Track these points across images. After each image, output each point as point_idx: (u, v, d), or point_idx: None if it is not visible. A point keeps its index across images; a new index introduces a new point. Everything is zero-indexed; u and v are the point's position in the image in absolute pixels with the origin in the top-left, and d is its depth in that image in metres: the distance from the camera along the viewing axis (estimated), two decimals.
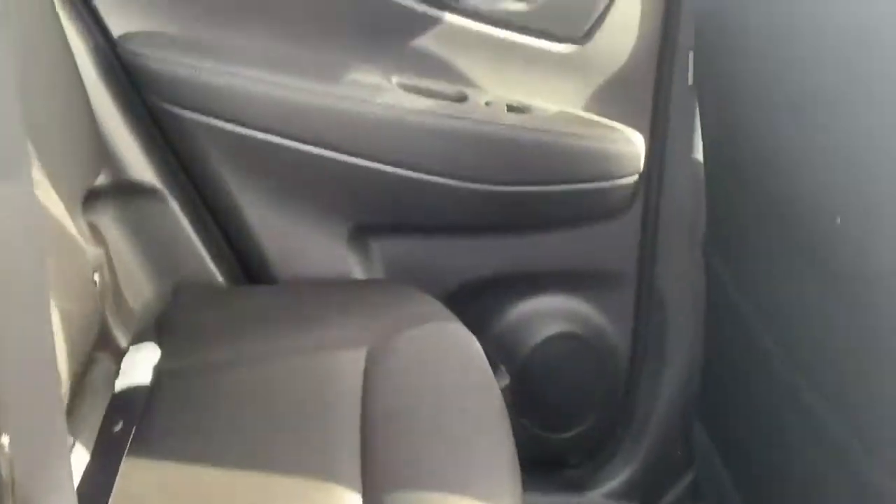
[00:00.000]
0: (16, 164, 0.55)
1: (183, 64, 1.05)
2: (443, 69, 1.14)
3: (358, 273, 1.18)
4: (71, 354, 0.76)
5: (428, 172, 1.13)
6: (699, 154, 1.14)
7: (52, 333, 0.58)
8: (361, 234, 1.18)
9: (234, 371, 0.93)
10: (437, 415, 0.86)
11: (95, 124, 1.04)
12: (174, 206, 1.12)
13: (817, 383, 0.83)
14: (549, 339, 1.27)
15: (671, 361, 1.27)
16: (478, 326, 1.00)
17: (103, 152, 1.06)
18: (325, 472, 0.78)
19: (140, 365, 0.95)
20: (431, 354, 0.94)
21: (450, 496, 0.75)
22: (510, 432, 0.85)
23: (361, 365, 0.91)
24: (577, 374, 1.29)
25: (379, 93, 1.10)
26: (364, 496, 0.76)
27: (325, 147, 1.09)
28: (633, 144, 1.17)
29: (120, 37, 1.04)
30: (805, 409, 0.84)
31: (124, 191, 1.09)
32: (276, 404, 0.87)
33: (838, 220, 0.72)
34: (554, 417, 1.31)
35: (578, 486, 1.33)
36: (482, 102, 1.14)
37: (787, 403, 0.90)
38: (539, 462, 1.21)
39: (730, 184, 1.02)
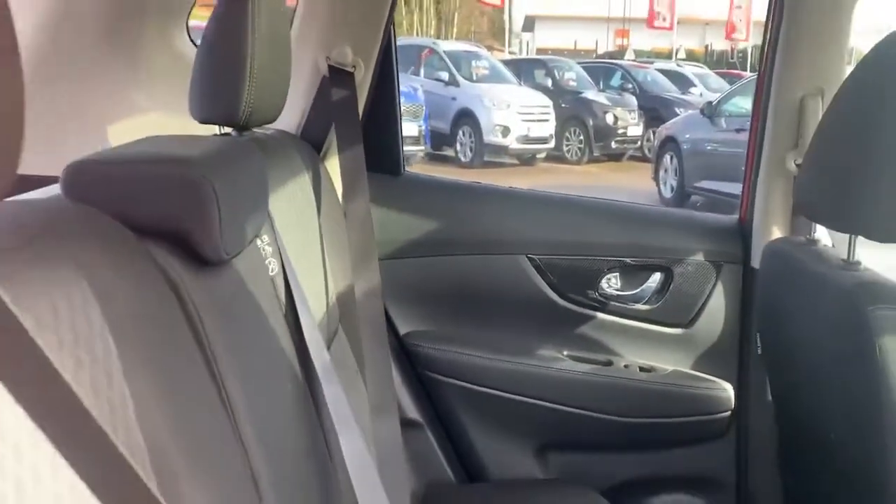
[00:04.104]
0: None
1: (441, 350, 1.77)
2: (596, 345, 1.81)
3: (539, 475, 1.81)
4: None
5: (588, 410, 1.77)
6: (768, 396, 1.71)
7: None
8: (544, 450, 1.81)
9: None
10: None
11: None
12: (428, 432, 1.80)
13: None
14: None
15: None
16: None
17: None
18: None
19: None
20: None
21: None
22: None
23: None
24: None
25: (556, 361, 1.77)
26: None
27: (525, 395, 1.76)
28: (725, 391, 1.77)
29: (404, 334, 1.79)
30: None
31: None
32: None
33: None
34: None
35: None
36: (622, 366, 1.79)
37: None
38: None
39: (789, 418, 1.58)
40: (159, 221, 0.87)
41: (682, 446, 1.80)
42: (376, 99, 1.72)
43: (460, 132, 11.38)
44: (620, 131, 12.08)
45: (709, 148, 8.95)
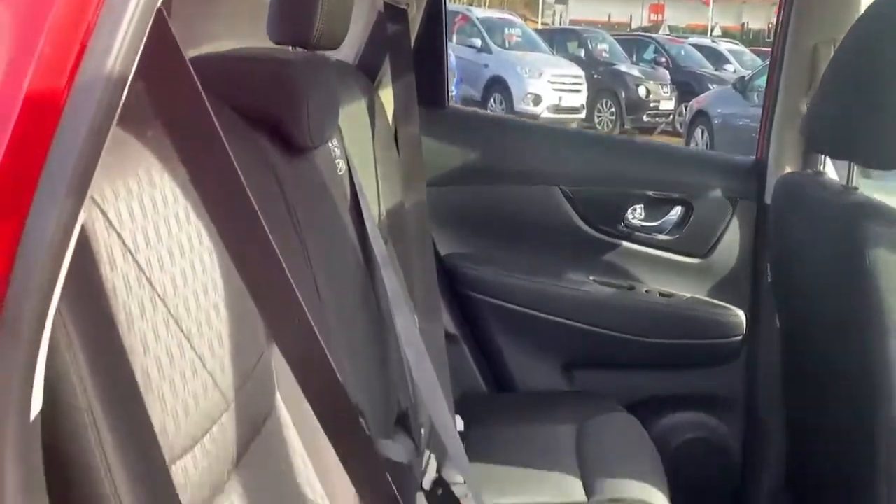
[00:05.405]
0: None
1: (478, 270, 1.94)
2: (620, 271, 1.97)
3: (565, 389, 1.98)
4: None
5: (611, 330, 1.93)
6: (777, 323, 1.86)
7: None
8: (569, 366, 1.99)
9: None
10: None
11: None
12: (463, 345, 1.98)
13: None
14: (687, 441, 1.98)
15: (768, 458, 1.95)
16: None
17: None
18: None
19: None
20: (617, 431, 1.71)
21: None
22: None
23: (573, 432, 1.69)
24: (703, 467, 1.98)
25: (583, 285, 1.94)
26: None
27: (553, 315, 1.93)
28: (738, 317, 1.92)
29: (445, 255, 1.96)
30: None
31: None
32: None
33: None
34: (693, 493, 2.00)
35: None
36: (644, 291, 1.95)
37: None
38: None
39: (792, 338, 1.73)
40: (261, 110, 1.06)
41: (696, 367, 1.96)
42: (425, 36, 1.88)
43: (491, 99, 11.44)
44: (652, 105, 12.08)
45: (740, 123, 8.94)
